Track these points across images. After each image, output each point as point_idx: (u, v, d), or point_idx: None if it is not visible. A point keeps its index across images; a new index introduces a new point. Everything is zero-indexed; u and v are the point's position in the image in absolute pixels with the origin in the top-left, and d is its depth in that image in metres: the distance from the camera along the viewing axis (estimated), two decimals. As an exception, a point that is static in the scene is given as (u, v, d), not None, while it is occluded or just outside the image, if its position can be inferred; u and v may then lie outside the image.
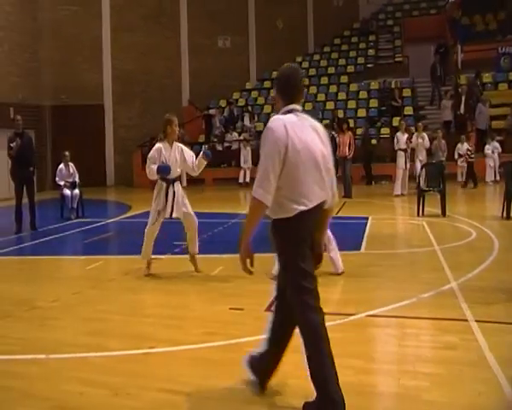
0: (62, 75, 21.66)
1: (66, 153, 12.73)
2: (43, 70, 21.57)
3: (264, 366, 3.47)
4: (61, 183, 12.63)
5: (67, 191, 12.48)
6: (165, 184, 6.58)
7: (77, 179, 12.67)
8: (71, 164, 12.74)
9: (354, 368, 3.78)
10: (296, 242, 3.12)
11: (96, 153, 21.67)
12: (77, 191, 12.55)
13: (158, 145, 6.62)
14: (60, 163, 13.05)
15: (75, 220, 11.97)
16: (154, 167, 6.46)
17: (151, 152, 6.62)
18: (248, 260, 3.28)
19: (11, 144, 10.28)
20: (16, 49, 20.22)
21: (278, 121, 3.15)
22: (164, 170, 6.42)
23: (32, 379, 3.82)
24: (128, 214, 13.26)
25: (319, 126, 3.26)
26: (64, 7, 22.16)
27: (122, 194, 19.18)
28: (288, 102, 3.24)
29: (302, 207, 3.08)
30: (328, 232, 5.72)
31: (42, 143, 20.60)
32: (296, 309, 3.13)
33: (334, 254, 6.28)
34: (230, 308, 5.27)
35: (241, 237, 3.24)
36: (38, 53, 21.43)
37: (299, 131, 3.13)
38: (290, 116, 3.18)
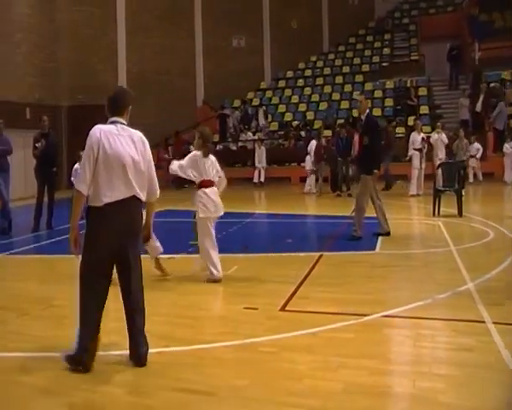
0: (79, 75, 21.83)
1: (82, 153, 12.78)
2: (59, 71, 21.75)
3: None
4: (77, 182, 12.70)
5: (83, 191, 12.52)
6: None
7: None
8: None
9: (369, 369, 3.77)
10: (98, 228, 3.85)
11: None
12: (92, 191, 12.60)
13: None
14: (75, 163, 13.12)
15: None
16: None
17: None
18: (76, 241, 3.86)
19: (36, 144, 10.42)
20: (34, 50, 20.43)
21: (96, 129, 3.91)
22: None
23: (47, 376, 3.85)
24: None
25: (137, 137, 3.99)
26: (80, 8, 22.33)
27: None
28: (112, 115, 4.00)
29: (107, 199, 3.80)
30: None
31: (58, 142, 20.75)
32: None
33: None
34: (245, 308, 5.27)
35: (70, 221, 3.89)
36: (55, 54, 21.62)
37: (112, 138, 3.86)
38: (110, 126, 3.95)
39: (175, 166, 6.52)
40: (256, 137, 21.45)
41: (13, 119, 16.81)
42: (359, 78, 24.12)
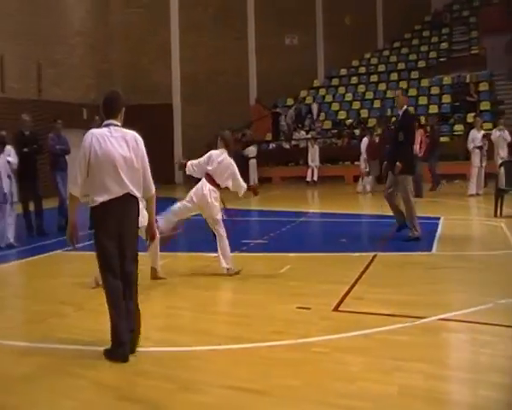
0: (132, 76, 22.41)
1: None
2: (114, 72, 22.38)
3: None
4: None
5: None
6: None
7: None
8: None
9: (424, 373, 3.65)
10: (102, 225, 4.06)
11: (164, 151, 22.17)
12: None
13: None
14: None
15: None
16: None
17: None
18: (73, 236, 4.22)
19: None
20: (90, 52, 21.13)
21: (88, 134, 4.11)
22: None
23: (102, 369, 3.94)
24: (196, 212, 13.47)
25: (130, 136, 4.15)
26: (134, 10, 22.90)
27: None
28: (107, 117, 4.19)
29: (101, 199, 4.02)
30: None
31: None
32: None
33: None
34: (298, 307, 5.22)
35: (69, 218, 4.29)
36: (110, 55, 22.28)
37: (103, 140, 4.05)
38: (103, 129, 4.15)
39: (190, 166, 6.77)
40: (309, 136, 21.31)
41: (71, 119, 17.40)
42: (415, 74, 23.55)
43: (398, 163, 8.16)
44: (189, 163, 6.88)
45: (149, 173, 4.25)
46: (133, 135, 4.20)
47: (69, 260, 8.32)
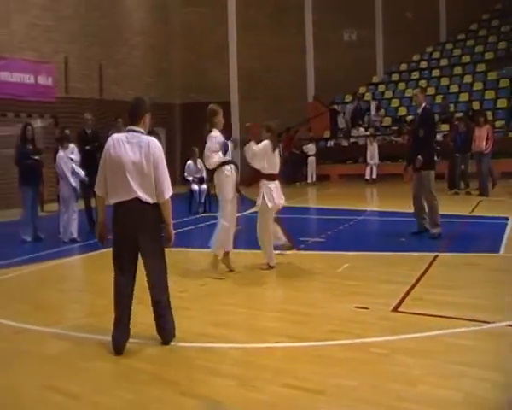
0: (191, 74, 22.74)
1: (195, 149, 13.07)
2: (173, 70, 22.80)
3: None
4: (190, 178, 13.16)
5: (195, 186, 12.99)
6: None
7: (204, 175, 12.98)
8: (199, 160, 13.03)
9: (492, 381, 3.47)
10: (115, 225, 4.23)
11: (223, 149, 22.43)
12: (204, 186, 13.00)
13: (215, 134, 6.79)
14: (188, 159, 13.61)
15: (203, 215, 12.44)
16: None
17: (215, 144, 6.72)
18: (102, 236, 4.39)
19: None
20: (150, 51, 21.61)
21: (109, 139, 4.30)
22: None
23: (161, 364, 4.01)
24: (253, 210, 13.51)
25: (144, 142, 4.20)
26: (193, 9, 23.21)
27: (247, 189, 19.58)
28: (130, 124, 4.31)
29: (112, 201, 4.23)
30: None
31: (172, 139, 21.81)
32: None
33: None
34: (356, 307, 5.13)
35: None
36: (169, 54, 22.70)
37: (118, 145, 4.19)
38: (122, 134, 4.30)
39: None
40: (368, 133, 20.93)
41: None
42: (481, 67, 22.57)
43: (419, 157, 8.21)
44: None
45: (163, 179, 4.23)
46: (148, 141, 4.23)
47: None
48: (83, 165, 9.76)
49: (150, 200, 4.20)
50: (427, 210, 8.56)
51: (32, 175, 9.69)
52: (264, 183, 6.76)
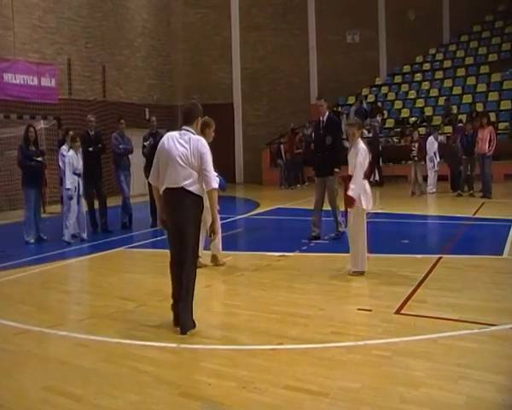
0: (193, 76, 22.78)
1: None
2: (175, 72, 22.84)
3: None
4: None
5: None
6: None
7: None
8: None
9: (495, 384, 3.45)
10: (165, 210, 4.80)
11: (225, 151, 22.37)
12: (205, 188, 13.01)
13: None
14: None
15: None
16: None
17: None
18: (162, 221, 4.88)
19: (145, 143, 10.97)
20: (152, 53, 21.64)
21: (164, 136, 4.85)
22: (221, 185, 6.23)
23: (163, 366, 3.99)
24: (257, 211, 13.53)
25: (193, 140, 4.68)
26: (195, 10, 23.26)
27: (251, 191, 19.62)
28: (183, 124, 4.85)
29: (162, 189, 4.72)
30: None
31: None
32: None
33: None
34: (358, 309, 5.12)
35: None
36: (171, 56, 22.72)
37: (171, 140, 4.73)
38: (176, 132, 4.82)
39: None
40: (370, 135, 20.89)
41: (134, 119, 17.89)
42: (485, 69, 22.51)
43: (336, 169, 8.39)
44: None
45: (208, 171, 4.62)
46: (197, 138, 4.72)
47: (132, 257, 8.53)
48: (86, 166, 9.78)
49: (193, 189, 4.62)
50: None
51: (35, 177, 9.72)
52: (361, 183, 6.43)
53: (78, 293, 6.66)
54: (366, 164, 6.39)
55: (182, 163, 4.61)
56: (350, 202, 6.36)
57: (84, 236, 9.66)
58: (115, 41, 19.67)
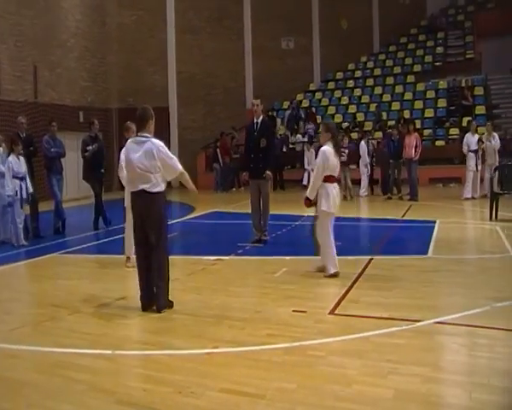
0: (129, 78, 22.37)
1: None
2: (110, 74, 22.35)
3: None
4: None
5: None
6: None
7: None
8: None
9: (421, 376, 3.64)
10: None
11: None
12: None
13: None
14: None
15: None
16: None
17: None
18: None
19: (87, 147, 10.73)
20: (85, 54, 21.07)
21: (125, 147, 5.69)
22: None
23: (98, 373, 3.92)
24: (192, 215, 13.47)
25: (149, 147, 5.21)
26: (130, 12, 22.87)
27: (186, 195, 19.47)
28: (138, 130, 5.40)
29: (132, 190, 5.39)
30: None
31: (109, 144, 21.25)
32: None
33: None
34: (293, 311, 5.22)
35: None
36: (106, 58, 22.22)
37: (131, 150, 5.34)
38: (132, 139, 5.46)
39: None
40: (305, 140, 21.29)
41: (67, 122, 17.38)
42: (411, 78, 23.58)
43: (268, 172, 8.51)
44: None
45: (170, 161, 5.22)
46: (151, 143, 5.23)
47: (64, 262, 8.29)
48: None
49: (152, 190, 5.21)
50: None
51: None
52: (324, 185, 6.46)
53: (7, 302, 6.38)
54: (327, 166, 6.39)
55: (139, 168, 5.17)
56: (304, 201, 6.61)
57: (14, 242, 9.30)
58: (47, 40, 18.99)
